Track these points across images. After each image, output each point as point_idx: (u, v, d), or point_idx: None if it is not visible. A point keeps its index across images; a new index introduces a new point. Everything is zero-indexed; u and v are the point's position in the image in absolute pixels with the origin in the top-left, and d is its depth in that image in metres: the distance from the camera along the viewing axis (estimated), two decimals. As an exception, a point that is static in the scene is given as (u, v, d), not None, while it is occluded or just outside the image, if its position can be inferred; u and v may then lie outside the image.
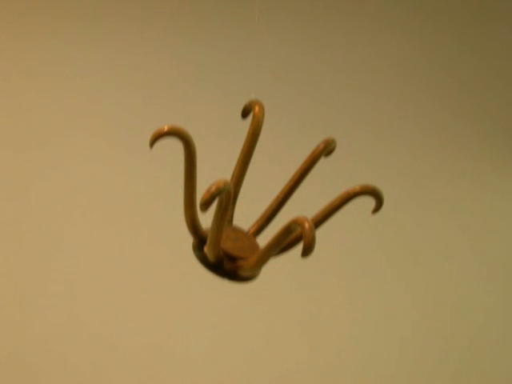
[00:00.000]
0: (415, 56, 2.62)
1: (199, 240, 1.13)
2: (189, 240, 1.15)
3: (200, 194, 0.98)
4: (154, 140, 1.04)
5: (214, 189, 0.97)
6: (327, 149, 1.24)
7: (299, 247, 0.97)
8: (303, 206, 1.40)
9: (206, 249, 1.12)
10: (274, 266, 1.49)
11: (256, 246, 1.18)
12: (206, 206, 0.96)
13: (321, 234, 1.07)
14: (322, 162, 1.26)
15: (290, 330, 2.36)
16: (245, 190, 1.25)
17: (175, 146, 1.16)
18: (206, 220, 1.11)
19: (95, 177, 2.35)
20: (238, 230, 1.19)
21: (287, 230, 1.01)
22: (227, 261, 1.13)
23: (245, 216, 1.29)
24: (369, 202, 1.18)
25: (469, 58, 2.65)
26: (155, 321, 2.30)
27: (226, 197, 1.02)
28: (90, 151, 2.36)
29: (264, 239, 1.12)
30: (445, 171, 2.57)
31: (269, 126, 1.32)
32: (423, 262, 2.49)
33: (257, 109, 1.23)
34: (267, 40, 2.49)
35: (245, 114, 1.25)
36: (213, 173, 1.24)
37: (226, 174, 1.15)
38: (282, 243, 1.04)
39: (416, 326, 2.44)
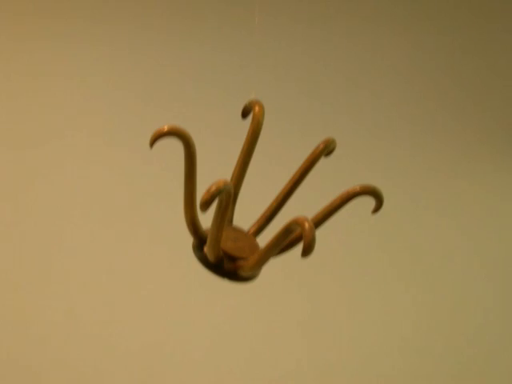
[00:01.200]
0: (415, 56, 2.62)
1: (199, 240, 1.13)
2: (189, 240, 1.15)
3: (200, 193, 0.98)
4: (153, 140, 1.04)
5: (213, 189, 0.97)
6: (327, 149, 1.24)
7: (299, 247, 0.97)
8: (303, 206, 1.40)
9: (206, 249, 1.12)
10: (274, 266, 1.49)
11: (256, 246, 1.18)
12: (206, 205, 0.96)
13: (321, 234, 1.07)
14: (322, 161, 1.26)
15: (289, 330, 2.36)
16: (245, 190, 1.25)
17: (175, 146, 1.16)
18: (206, 220, 1.11)
19: (95, 177, 2.35)
20: (238, 230, 1.19)
21: (287, 230, 1.01)
22: (227, 261, 1.13)
23: (245, 216, 1.29)
24: (369, 202, 1.18)
25: (469, 57, 2.65)
26: (155, 321, 2.30)
27: (226, 197, 1.02)
28: (90, 151, 2.37)
29: (264, 239, 1.12)
30: (445, 171, 2.57)
31: (269, 126, 1.32)
32: (423, 262, 2.49)
33: (257, 109, 1.23)
34: (267, 40, 2.49)
35: (245, 114, 1.25)
36: (213, 173, 1.24)
37: (226, 174, 1.15)
38: (282, 243, 1.04)
39: (416, 326, 2.44)
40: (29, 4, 2.43)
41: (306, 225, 0.95)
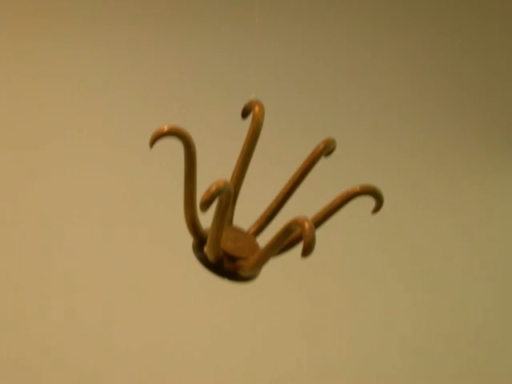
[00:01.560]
0: (415, 56, 2.62)
1: (199, 240, 1.13)
2: (189, 240, 1.15)
3: (200, 194, 0.98)
4: (153, 140, 1.04)
5: (213, 189, 0.97)
6: (327, 149, 1.23)
7: (299, 247, 0.97)
8: (303, 206, 1.40)
9: (206, 249, 1.12)
10: (274, 266, 1.49)
11: (256, 246, 1.18)
12: (206, 205, 0.96)
13: (321, 234, 1.07)
14: (322, 161, 1.26)
15: (290, 330, 2.36)
16: (245, 190, 1.25)
17: (175, 146, 1.16)
18: (206, 220, 1.11)
19: (95, 177, 2.35)
20: (238, 230, 1.19)
21: (287, 230, 1.01)
22: (227, 261, 1.13)
23: (245, 216, 1.29)
24: (369, 202, 1.18)
25: (469, 58, 2.65)
26: (155, 321, 2.30)
27: (226, 197, 1.02)
28: (90, 151, 2.37)
29: (264, 239, 1.12)
30: (445, 171, 2.57)
31: (269, 126, 1.32)
32: (423, 262, 2.49)
33: (257, 109, 1.23)
34: (267, 40, 2.49)
35: (245, 114, 1.25)
36: (213, 173, 1.24)
37: (226, 174, 1.15)
38: (282, 243, 1.04)
39: (416, 326, 2.44)
40: (29, 4, 2.43)
41: (306, 225, 0.95)
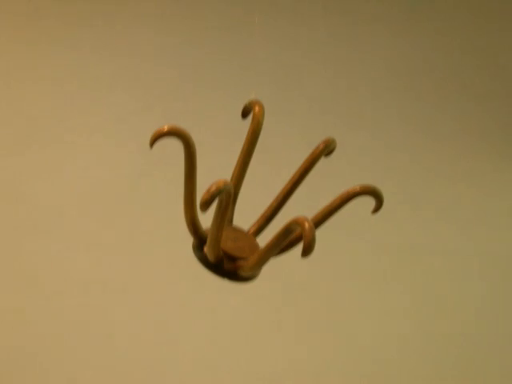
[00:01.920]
0: (415, 57, 2.62)
1: (199, 240, 1.13)
2: (189, 240, 1.15)
3: (200, 193, 0.98)
4: (154, 140, 1.04)
5: (213, 189, 0.97)
6: (327, 149, 1.24)
7: (299, 247, 0.97)
8: (303, 206, 1.40)
9: (206, 249, 1.12)
10: (274, 266, 1.49)
11: (256, 246, 1.18)
12: (206, 205, 0.96)
13: (321, 234, 1.07)
14: (322, 161, 1.26)
15: (289, 330, 2.36)
16: (245, 190, 1.25)
17: (175, 146, 1.16)
18: (206, 220, 1.11)
19: (95, 177, 2.35)
20: (238, 230, 1.19)
21: (287, 230, 1.01)
22: (227, 261, 1.13)
23: (245, 216, 1.29)
24: (369, 202, 1.18)
25: (469, 57, 2.65)
26: (155, 321, 2.30)
27: (226, 197, 1.02)
28: (90, 151, 2.37)
29: (264, 239, 1.12)
30: (444, 171, 2.57)
31: (269, 126, 1.32)
32: (423, 262, 2.49)
33: (257, 109, 1.23)
34: (267, 40, 2.49)
35: (245, 114, 1.25)
36: (213, 173, 1.24)
37: (226, 174, 1.15)
38: (282, 243, 1.04)
39: (416, 326, 2.44)
40: (29, 5, 2.43)
41: (306, 225, 0.95)
